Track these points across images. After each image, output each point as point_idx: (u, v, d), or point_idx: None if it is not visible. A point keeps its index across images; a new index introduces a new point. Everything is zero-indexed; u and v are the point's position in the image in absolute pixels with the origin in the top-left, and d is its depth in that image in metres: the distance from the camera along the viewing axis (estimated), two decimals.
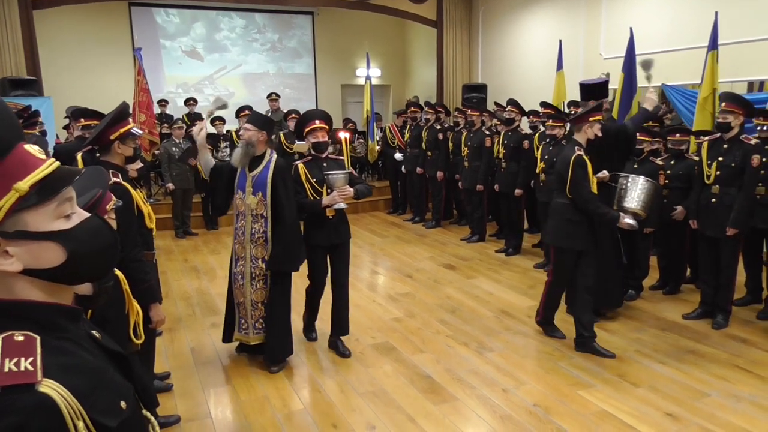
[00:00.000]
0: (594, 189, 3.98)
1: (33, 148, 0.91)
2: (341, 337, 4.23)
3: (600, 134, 4.03)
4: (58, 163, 0.92)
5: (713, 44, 5.76)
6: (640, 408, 3.37)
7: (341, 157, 4.22)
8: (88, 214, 0.97)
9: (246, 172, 3.79)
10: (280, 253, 3.79)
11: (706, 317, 4.66)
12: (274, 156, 3.83)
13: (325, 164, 4.01)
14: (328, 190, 3.92)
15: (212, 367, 4.03)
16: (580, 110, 4.52)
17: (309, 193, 3.95)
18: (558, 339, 4.34)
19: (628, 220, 3.96)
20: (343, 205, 3.89)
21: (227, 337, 4.08)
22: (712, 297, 4.63)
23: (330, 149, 4.20)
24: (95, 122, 4.98)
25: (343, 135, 4.55)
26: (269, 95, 10.06)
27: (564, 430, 3.18)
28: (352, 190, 3.88)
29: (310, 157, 4.05)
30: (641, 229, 4.99)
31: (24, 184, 0.86)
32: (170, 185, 7.86)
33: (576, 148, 3.98)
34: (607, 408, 3.38)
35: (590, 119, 4.01)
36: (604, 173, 4.27)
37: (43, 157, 0.91)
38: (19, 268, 0.88)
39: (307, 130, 4.03)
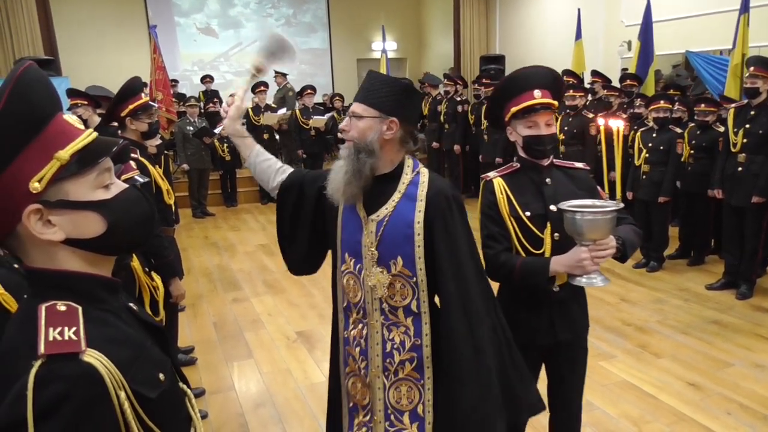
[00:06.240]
0: None
1: (72, 118, 0.93)
2: None
3: None
4: (96, 134, 0.93)
5: (745, 7, 5.51)
6: (662, 378, 3.35)
7: (581, 165, 2.06)
8: (126, 185, 0.98)
9: (358, 212, 1.76)
10: None
11: (730, 288, 4.59)
12: (423, 169, 1.77)
13: (548, 181, 1.97)
14: (555, 234, 1.93)
15: (235, 341, 4.09)
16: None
17: (516, 240, 1.96)
18: None
19: None
20: (598, 280, 1.83)
21: None
22: (737, 267, 4.56)
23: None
24: (83, 102, 5.20)
25: (614, 124, 1.82)
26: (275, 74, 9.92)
27: (586, 401, 3.17)
28: (615, 243, 1.80)
29: (516, 166, 2.03)
30: (656, 199, 4.91)
31: (65, 153, 0.87)
32: (185, 165, 7.75)
33: None
34: (629, 378, 3.37)
35: None
36: None
37: (82, 127, 0.93)
38: (62, 237, 0.89)
39: (514, 110, 1.95)
